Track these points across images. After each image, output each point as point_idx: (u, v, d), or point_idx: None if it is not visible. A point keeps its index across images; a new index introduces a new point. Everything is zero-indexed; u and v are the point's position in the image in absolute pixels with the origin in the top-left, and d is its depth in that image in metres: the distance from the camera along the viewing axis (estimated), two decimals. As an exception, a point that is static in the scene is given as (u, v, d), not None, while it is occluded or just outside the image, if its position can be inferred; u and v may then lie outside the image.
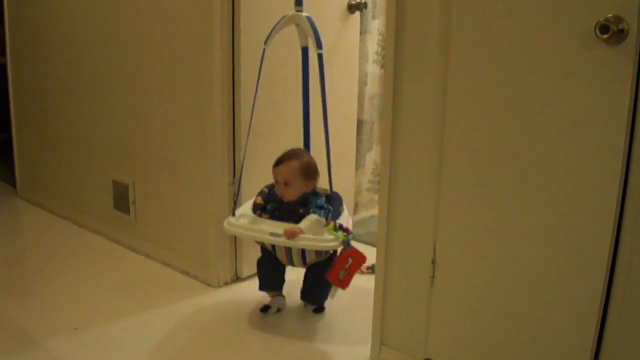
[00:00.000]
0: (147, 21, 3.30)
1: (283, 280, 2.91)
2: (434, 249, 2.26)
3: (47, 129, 4.30)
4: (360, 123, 4.00)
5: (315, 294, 2.89)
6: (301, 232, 2.58)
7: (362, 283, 3.08)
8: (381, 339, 2.51)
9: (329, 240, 2.61)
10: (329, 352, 2.64)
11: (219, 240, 3.17)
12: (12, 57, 4.50)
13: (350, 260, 2.62)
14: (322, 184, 2.83)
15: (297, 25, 2.86)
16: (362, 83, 3.96)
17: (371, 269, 3.27)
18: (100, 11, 3.61)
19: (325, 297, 2.87)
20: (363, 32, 3.87)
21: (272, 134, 2.94)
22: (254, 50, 3.01)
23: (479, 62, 2.03)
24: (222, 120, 3.04)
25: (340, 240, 2.61)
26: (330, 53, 2.91)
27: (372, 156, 4.15)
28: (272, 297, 2.94)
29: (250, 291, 3.15)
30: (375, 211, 2.52)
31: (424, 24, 2.15)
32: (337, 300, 2.88)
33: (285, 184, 2.70)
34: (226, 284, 3.25)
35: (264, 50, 2.80)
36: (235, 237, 3.21)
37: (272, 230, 2.62)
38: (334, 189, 2.83)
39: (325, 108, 2.81)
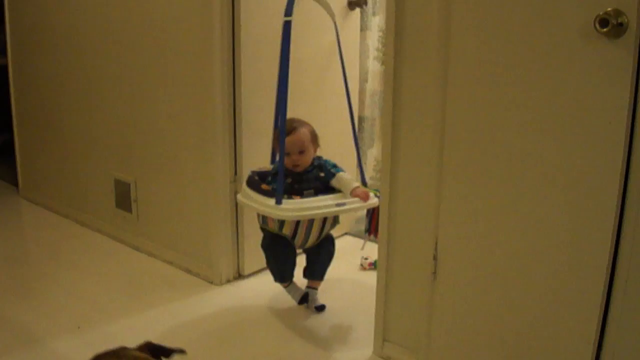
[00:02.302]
0: (148, 20, 3.30)
1: (294, 271, 2.89)
2: (436, 245, 2.26)
3: (48, 128, 4.30)
4: (361, 120, 4.00)
5: (324, 269, 2.91)
6: (368, 192, 2.63)
7: (365, 279, 3.09)
8: (384, 335, 2.52)
9: (374, 198, 2.66)
10: (332, 348, 2.64)
11: (221, 238, 3.17)
12: (13, 57, 4.50)
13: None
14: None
15: None
16: (363, 80, 3.96)
17: (373, 265, 3.28)
18: (101, 10, 3.61)
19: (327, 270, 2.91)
20: (363, 28, 3.87)
21: (270, 134, 2.94)
22: (254, 48, 3.02)
23: (478, 58, 2.03)
24: (223, 117, 3.04)
25: (376, 195, 2.65)
26: (330, 50, 2.91)
27: (374, 153, 4.14)
28: (287, 286, 2.89)
29: (253, 288, 3.16)
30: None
31: (424, 20, 2.15)
32: (339, 297, 2.89)
33: (301, 152, 2.69)
34: (229, 281, 3.25)
35: (287, 22, 2.68)
36: (237, 235, 3.21)
37: (332, 201, 2.63)
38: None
39: (347, 83, 2.85)
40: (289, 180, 2.71)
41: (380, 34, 3.94)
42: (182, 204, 3.35)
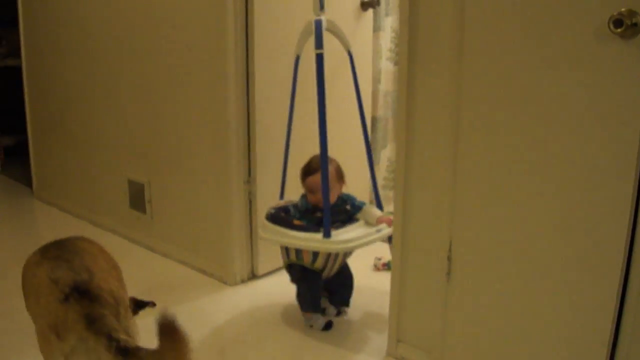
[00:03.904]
0: (161, 22, 3.31)
1: None
2: (450, 245, 2.26)
3: (62, 129, 4.32)
4: (374, 120, 3.99)
5: (351, 293, 2.92)
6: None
7: (378, 280, 3.09)
8: (397, 336, 2.52)
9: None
10: (346, 348, 2.64)
11: (235, 238, 3.18)
12: (27, 59, 4.53)
13: None
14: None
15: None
16: (376, 80, 3.95)
17: (387, 266, 3.28)
18: (113, 12, 3.63)
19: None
20: (376, 29, 3.87)
21: (284, 136, 2.94)
22: (267, 49, 3.02)
23: (493, 58, 2.02)
24: (237, 118, 3.04)
25: None
26: (343, 51, 2.91)
27: (387, 153, 4.14)
28: (310, 317, 2.83)
29: (267, 289, 3.17)
30: (390, 208, 2.51)
31: (437, 20, 2.15)
32: (354, 297, 2.89)
33: None
34: (243, 281, 3.26)
35: (320, 55, 2.66)
36: (251, 235, 3.22)
37: (374, 228, 2.67)
38: (350, 187, 2.84)
39: (362, 107, 2.88)
40: (319, 214, 2.70)
41: (393, 34, 3.94)
42: (196, 204, 3.36)
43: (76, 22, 3.95)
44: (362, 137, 2.93)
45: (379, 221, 2.69)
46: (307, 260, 2.71)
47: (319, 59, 2.64)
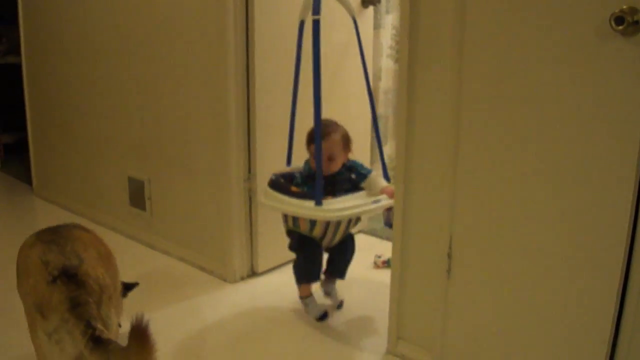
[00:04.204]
0: (161, 19, 3.31)
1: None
2: (450, 242, 2.26)
3: (62, 127, 4.32)
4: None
5: (347, 267, 2.92)
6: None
7: (379, 277, 3.09)
8: (398, 333, 2.52)
9: None
10: (346, 346, 2.64)
11: (235, 235, 3.18)
12: (27, 56, 4.53)
13: None
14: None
15: None
16: (376, 78, 3.95)
17: (387, 263, 3.28)
18: (113, 9, 3.63)
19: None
20: (377, 26, 3.87)
21: (287, 129, 2.93)
22: (268, 46, 3.02)
23: (493, 56, 2.02)
24: (236, 115, 3.04)
25: None
26: (343, 48, 2.91)
27: (387, 150, 4.13)
28: (307, 297, 2.86)
29: (267, 286, 3.17)
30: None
31: (438, 18, 2.15)
32: (353, 295, 2.90)
33: (330, 158, 2.67)
34: (242, 279, 3.26)
35: (316, 21, 2.57)
36: (251, 233, 3.22)
37: (372, 198, 2.63)
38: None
39: (368, 79, 2.85)
40: (307, 184, 2.72)
41: (394, 31, 3.94)
42: (196, 201, 3.36)
43: (76, 20, 3.94)
44: (361, 134, 2.93)
45: (382, 192, 2.66)
46: (304, 227, 2.72)
47: (315, 25, 2.58)
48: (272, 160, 3.00)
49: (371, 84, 3.80)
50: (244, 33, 2.99)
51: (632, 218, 1.79)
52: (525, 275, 2.07)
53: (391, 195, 2.59)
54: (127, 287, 2.60)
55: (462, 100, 2.12)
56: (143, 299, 3.00)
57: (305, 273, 2.83)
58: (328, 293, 2.94)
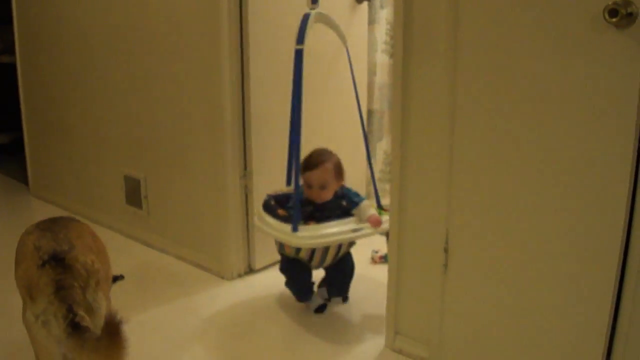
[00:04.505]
0: (156, 17, 3.30)
1: (313, 284, 2.90)
2: (447, 237, 2.26)
3: (58, 126, 4.31)
4: (370, 113, 3.99)
5: (346, 286, 2.92)
6: (381, 219, 2.62)
7: (376, 273, 3.09)
8: (395, 328, 2.52)
9: (387, 221, 2.62)
10: (344, 341, 2.64)
11: (231, 232, 3.18)
12: (22, 56, 4.51)
13: None
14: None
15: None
16: (372, 73, 3.95)
17: (384, 259, 3.28)
18: (108, 8, 3.61)
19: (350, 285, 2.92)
20: (371, 21, 3.86)
21: (282, 126, 2.93)
22: (262, 43, 3.01)
23: (487, 49, 2.02)
24: (232, 112, 3.04)
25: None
26: (338, 43, 2.90)
27: (383, 146, 4.14)
28: (307, 303, 2.88)
29: (264, 283, 3.17)
30: (387, 201, 2.51)
31: (432, 12, 2.15)
32: (350, 291, 2.90)
33: (322, 187, 2.68)
34: (240, 276, 3.26)
35: (299, 51, 2.70)
36: (248, 230, 3.22)
37: (352, 227, 2.62)
38: (347, 180, 2.81)
39: (359, 104, 2.83)
40: (310, 208, 2.72)
41: (389, 26, 3.93)
42: (193, 199, 3.35)
43: (71, 19, 3.93)
44: (356, 129, 2.93)
45: (367, 220, 2.66)
46: (288, 251, 2.75)
47: (298, 55, 2.66)
48: (267, 156, 3.00)
49: (366, 78, 3.82)
50: (238, 31, 2.98)
51: (629, 209, 1.79)
52: (522, 268, 2.07)
53: (374, 224, 2.62)
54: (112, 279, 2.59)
55: (457, 94, 2.12)
56: (140, 296, 3.00)
57: (295, 293, 2.87)
58: (321, 310, 2.90)
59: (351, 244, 2.82)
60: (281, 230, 2.62)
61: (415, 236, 2.38)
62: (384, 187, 4.10)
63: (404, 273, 2.45)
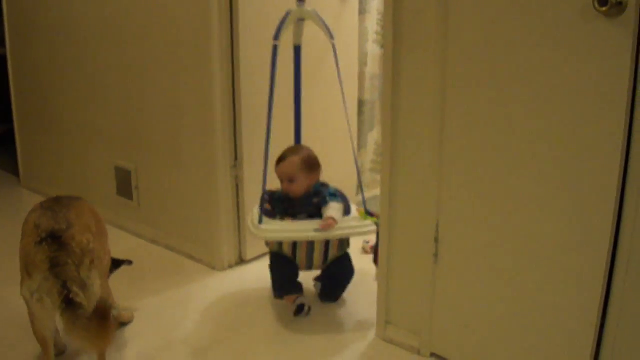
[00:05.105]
0: (146, 8, 3.28)
1: (301, 283, 2.85)
2: (437, 227, 2.26)
3: (48, 118, 4.30)
4: (361, 103, 3.99)
5: (339, 292, 2.91)
6: (335, 222, 2.59)
7: (366, 263, 3.09)
8: (386, 318, 2.52)
9: (368, 225, 2.65)
10: (335, 332, 2.65)
11: (222, 223, 3.18)
12: (12, 47, 4.49)
13: None
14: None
15: (299, 21, 2.84)
16: (362, 63, 3.95)
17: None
18: (99, -1, 3.61)
19: (344, 291, 2.91)
20: (362, 11, 3.86)
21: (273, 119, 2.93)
22: (252, 34, 3.01)
23: (477, 39, 2.02)
24: (222, 103, 3.03)
25: (375, 224, 2.64)
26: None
27: (374, 136, 4.14)
28: (293, 302, 2.78)
29: (255, 273, 3.17)
30: (378, 191, 2.51)
31: (422, 2, 2.14)
32: (342, 281, 2.90)
33: (290, 180, 2.70)
34: (231, 267, 3.26)
35: (275, 46, 2.77)
36: (239, 220, 3.22)
37: (312, 227, 2.61)
38: (337, 172, 2.82)
39: (344, 99, 2.83)
40: (285, 205, 2.75)
41: (379, 16, 3.93)
42: (183, 190, 3.35)
43: (62, 10, 3.91)
44: (352, 123, 2.92)
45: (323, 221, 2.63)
46: (271, 245, 2.80)
47: (274, 50, 2.75)
48: (258, 147, 2.99)
49: (357, 69, 3.81)
50: (228, 19, 2.98)
51: (619, 197, 1.80)
52: (513, 258, 2.07)
53: (323, 227, 2.58)
54: (116, 264, 2.67)
55: (447, 84, 2.12)
56: (132, 287, 3.00)
57: (278, 288, 2.84)
58: (299, 312, 2.87)
59: (342, 247, 2.81)
60: (252, 221, 2.72)
61: (406, 226, 2.38)
62: (376, 178, 4.11)
63: (394, 263, 2.45)
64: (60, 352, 2.39)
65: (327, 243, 2.74)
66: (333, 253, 2.79)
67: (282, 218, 2.70)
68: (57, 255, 1.96)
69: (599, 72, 1.77)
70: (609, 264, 1.85)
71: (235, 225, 3.24)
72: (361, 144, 4.06)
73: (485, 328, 2.21)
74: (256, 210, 2.77)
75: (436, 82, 2.14)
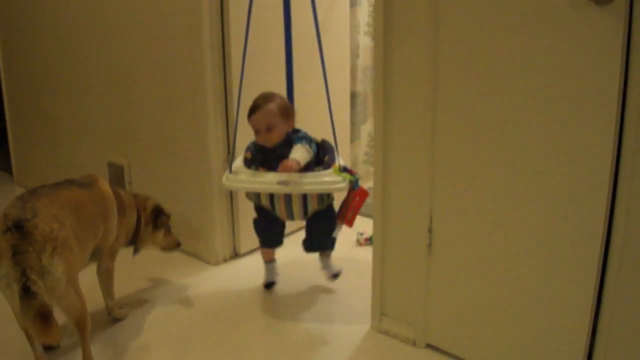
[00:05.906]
0: (137, 3, 3.27)
1: (282, 237, 2.87)
2: (430, 218, 2.26)
3: (41, 114, 4.29)
4: (353, 95, 3.98)
5: (322, 243, 2.86)
6: (297, 163, 2.48)
7: (361, 255, 3.10)
8: (381, 309, 2.52)
9: (338, 182, 2.51)
10: (330, 324, 2.65)
11: (216, 217, 3.18)
12: (3, 44, 4.48)
13: (357, 199, 2.66)
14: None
15: None
16: (354, 55, 3.94)
17: (370, 241, 3.28)
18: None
19: (330, 245, 2.88)
20: (354, 4, 3.86)
21: (260, 89, 2.90)
22: (243, 28, 2.99)
23: (468, 28, 2.01)
24: (214, 98, 3.03)
25: (347, 181, 2.52)
26: (321, 25, 2.88)
27: (367, 128, 4.14)
28: (266, 262, 2.92)
29: (250, 267, 3.17)
30: (372, 183, 2.50)
31: (412, -8, 2.14)
32: (336, 273, 2.90)
33: (268, 129, 2.60)
34: (225, 261, 3.26)
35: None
36: (233, 214, 3.21)
37: (278, 179, 2.50)
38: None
39: (322, 56, 2.76)
40: (260, 156, 2.66)
41: (371, 8, 3.93)
42: (177, 185, 3.34)
43: (54, 6, 3.90)
44: (339, 112, 2.91)
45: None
46: (250, 197, 2.78)
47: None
48: (251, 140, 2.99)
49: (349, 61, 3.80)
50: (219, 14, 2.97)
51: (611, 188, 1.80)
52: (506, 248, 2.07)
53: (283, 169, 2.49)
54: (157, 214, 2.88)
55: (439, 75, 2.12)
56: (126, 282, 2.99)
57: (259, 239, 2.87)
58: (324, 267, 2.91)
59: (322, 200, 2.71)
60: (226, 174, 2.65)
61: (400, 217, 2.38)
62: (369, 170, 4.11)
63: (388, 254, 2.45)
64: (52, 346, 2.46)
65: (304, 196, 2.66)
66: (313, 206, 2.71)
67: (257, 168, 2.60)
68: (19, 243, 2.01)
69: (590, 61, 1.76)
70: (603, 254, 1.85)
71: (229, 220, 3.24)
72: (354, 136, 4.06)
73: (480, 318, 2.21)
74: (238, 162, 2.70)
75: (428, 74, 2.14)
